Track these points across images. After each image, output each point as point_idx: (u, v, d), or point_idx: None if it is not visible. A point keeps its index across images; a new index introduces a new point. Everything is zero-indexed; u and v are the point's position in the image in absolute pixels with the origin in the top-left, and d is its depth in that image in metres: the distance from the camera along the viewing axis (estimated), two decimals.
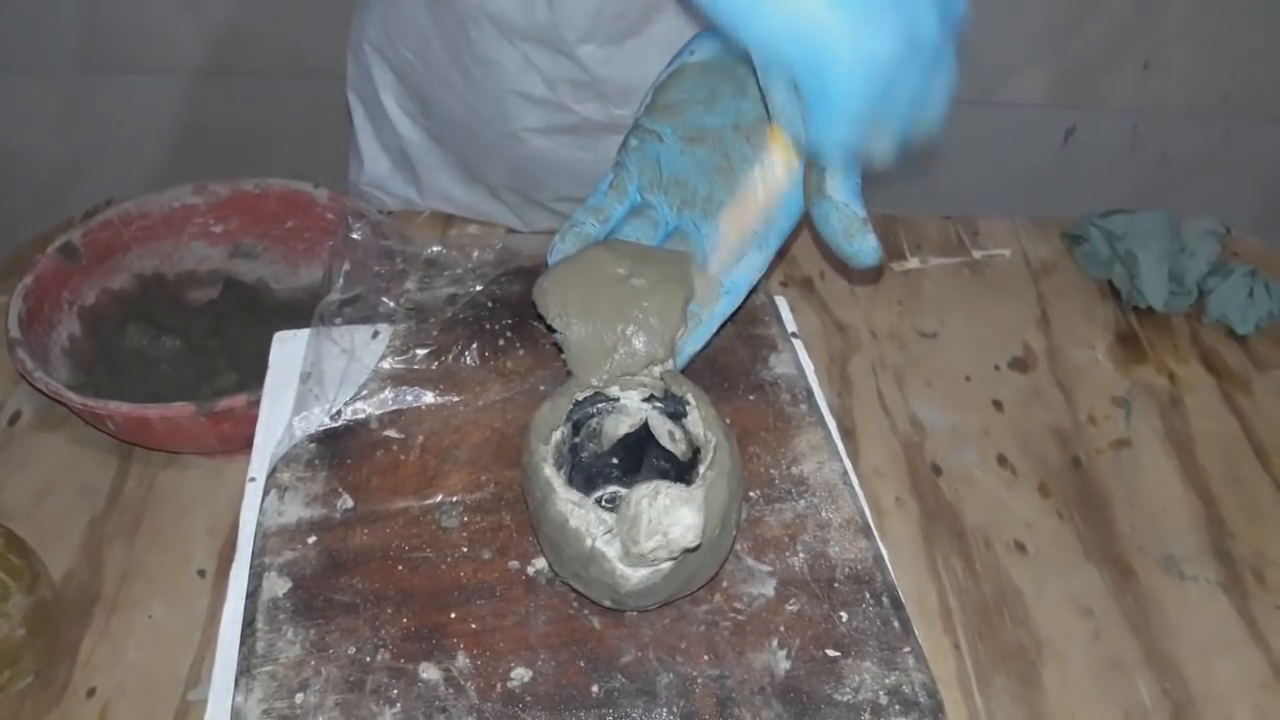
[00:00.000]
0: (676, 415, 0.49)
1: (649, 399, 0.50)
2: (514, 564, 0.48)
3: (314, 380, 0.56)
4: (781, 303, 0.64)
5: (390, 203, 0.97)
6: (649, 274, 0.50)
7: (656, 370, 0.49)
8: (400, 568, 0.48)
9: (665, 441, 0.50)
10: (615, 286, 0.50)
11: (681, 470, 0.49)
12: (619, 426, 0.51)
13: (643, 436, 0.51)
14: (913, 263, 0.90)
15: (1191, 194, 1.40)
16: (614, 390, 0.50)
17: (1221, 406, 0.79)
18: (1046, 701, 0.60)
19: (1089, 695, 0.61)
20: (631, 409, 0.50)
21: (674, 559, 0.42)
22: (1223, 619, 0.65)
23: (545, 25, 0.75)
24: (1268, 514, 0.71)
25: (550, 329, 0.50)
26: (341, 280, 0.61)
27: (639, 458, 0.51)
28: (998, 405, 0.78)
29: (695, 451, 0.48)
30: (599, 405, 0.50)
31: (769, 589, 0.47)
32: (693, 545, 0.41)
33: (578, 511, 0.43)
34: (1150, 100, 1.34)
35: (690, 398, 0.48)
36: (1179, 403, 0.79)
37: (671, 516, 0.40)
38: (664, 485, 0.41)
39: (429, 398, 0.55)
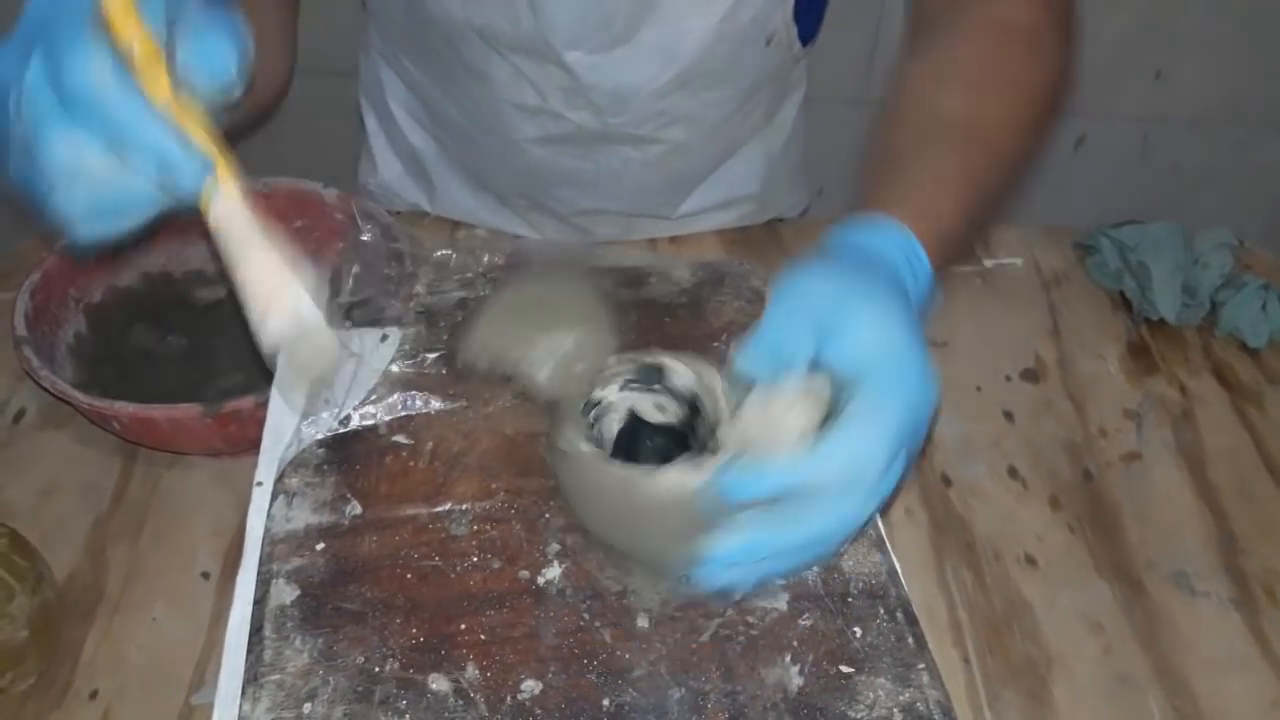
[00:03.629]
0: (657, 383, 0.50)
1: (624, 385, 0.51)
2: (524, 574, 0.48)
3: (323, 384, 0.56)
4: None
5: (401, 208, 0.97)
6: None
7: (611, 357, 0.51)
8: (409, 576, 0.47)
9: (655, 417, 0.51)
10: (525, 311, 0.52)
11: (679, 438, 0.50)
12: (612, 425, 0.51)
13: (635, 426, 0.51)
14: None
15: (1202, 204, 1.39)
16: (596, 393, 0.51)
17: (1233, 420, 0.78)
18: (1056, 717, 0.60)
19: (1098, 711, 0.60)
20: (613, 401, 0.51)
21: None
22: (1234, 635, 0.64)
23: (532, 34, 0.75)
24: (1279, 530, 0.71)
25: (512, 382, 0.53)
26: (351, 283, 0.61)
27: (635, 447, 0.52)
28: (1009, 416, 0.77)
29: (692, 410, 0.49)
30: (593, 413, 0.51)
31: (782, 603, 0.47)
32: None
33: (668, 476, 0.44)
34: (1161, 110, 1.34)
35: (663, 358, 0.50)
36: (1190, 416, 0.78)
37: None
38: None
39: (438, 403, 0.55)
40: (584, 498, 0.48)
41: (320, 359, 0.44)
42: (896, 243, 0.53)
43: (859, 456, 0.44)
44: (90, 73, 0.40)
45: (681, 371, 0.49)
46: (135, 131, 0.40)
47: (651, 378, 0.50)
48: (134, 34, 0.40)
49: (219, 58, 0.42)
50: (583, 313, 0.53)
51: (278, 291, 0.43)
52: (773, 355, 0.47)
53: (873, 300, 0.48)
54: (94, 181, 0.41)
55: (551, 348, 0.52)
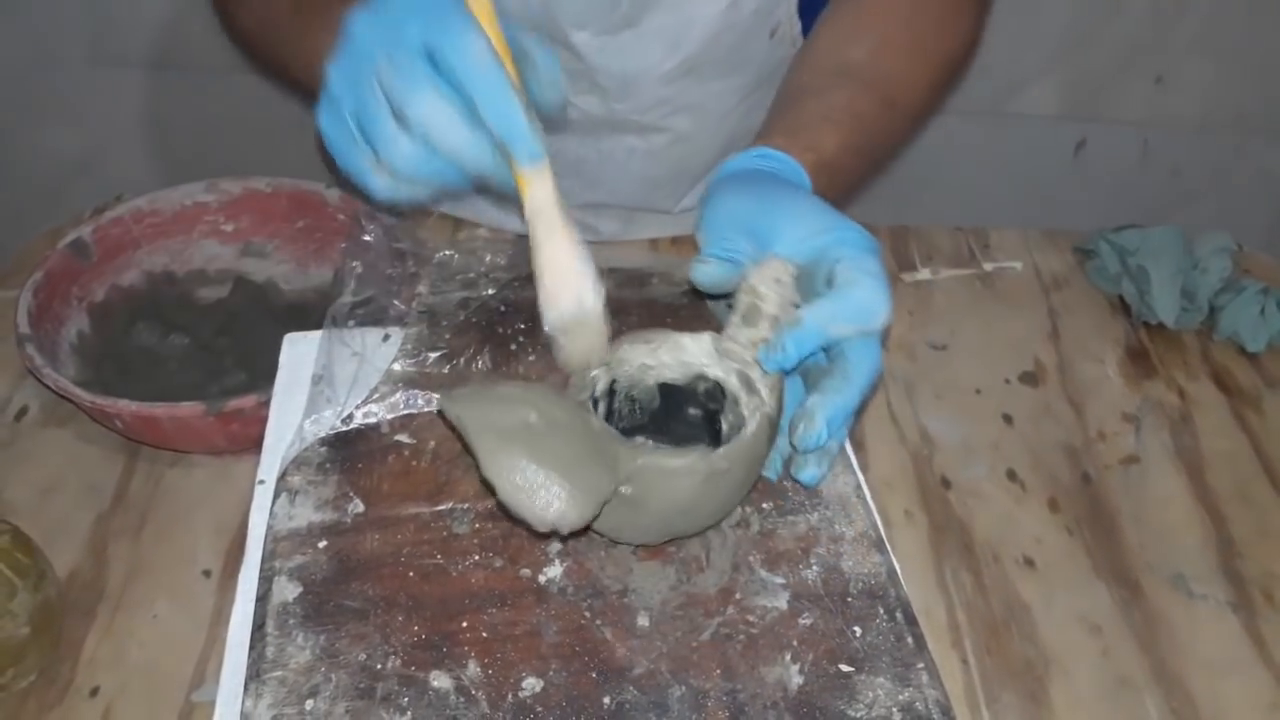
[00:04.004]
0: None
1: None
2: (525, 572, 0.48)
3: (325, 383, 0.56)
4: None
5: (401, 204, 0.97)
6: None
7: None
8: (411, 574, 0.47)
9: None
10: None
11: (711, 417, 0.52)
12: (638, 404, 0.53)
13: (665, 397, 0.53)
14: (923, 274, 0.90)
15: (1202, 209, 1.39)
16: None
17: (1232, 424, 0.78)
18: (1054, 718, 0.60)
19: (1096, 713, 0.60)
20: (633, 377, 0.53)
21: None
22: (1231, 638, 0.65)
23: (538, 11, 0.75)
24: (1277, 533, 0.71)
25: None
26: (353, 283, 0.61)
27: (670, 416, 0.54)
28: (1008, 419, 0.77)
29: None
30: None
31: (782, 602, 0.47)
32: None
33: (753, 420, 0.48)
34: (1162, 115, 1.34)
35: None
36: (1189, 420, 0.79)
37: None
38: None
39: None
40: (689, 503, 0.47)
41: (593, 346, 0.49)
42: (781, 166, 0.60)
43: (868, 296, 0.49)
44: (471, 45, 0.46)
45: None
46: (500, 102, 0.46)
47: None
48: (490, 25, 0.48)
49: (551, 70, 0.51)
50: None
51: (570, 279, 0.48)
52: (725, 264, 0.52)
53: (789, 199, 0.55)
54: (442, 143, 0.47)
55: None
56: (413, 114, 0.47)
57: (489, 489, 0.43)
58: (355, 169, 0.51)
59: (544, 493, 0.42)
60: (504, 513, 0.44)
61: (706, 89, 0.83)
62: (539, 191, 0.48)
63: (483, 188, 0.50)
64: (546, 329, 0.49)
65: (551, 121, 0.51)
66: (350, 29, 0.49)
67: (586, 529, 0.45)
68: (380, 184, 0.51)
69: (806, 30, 0.85)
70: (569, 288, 0.48)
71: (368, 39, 0.48)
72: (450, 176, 0.50)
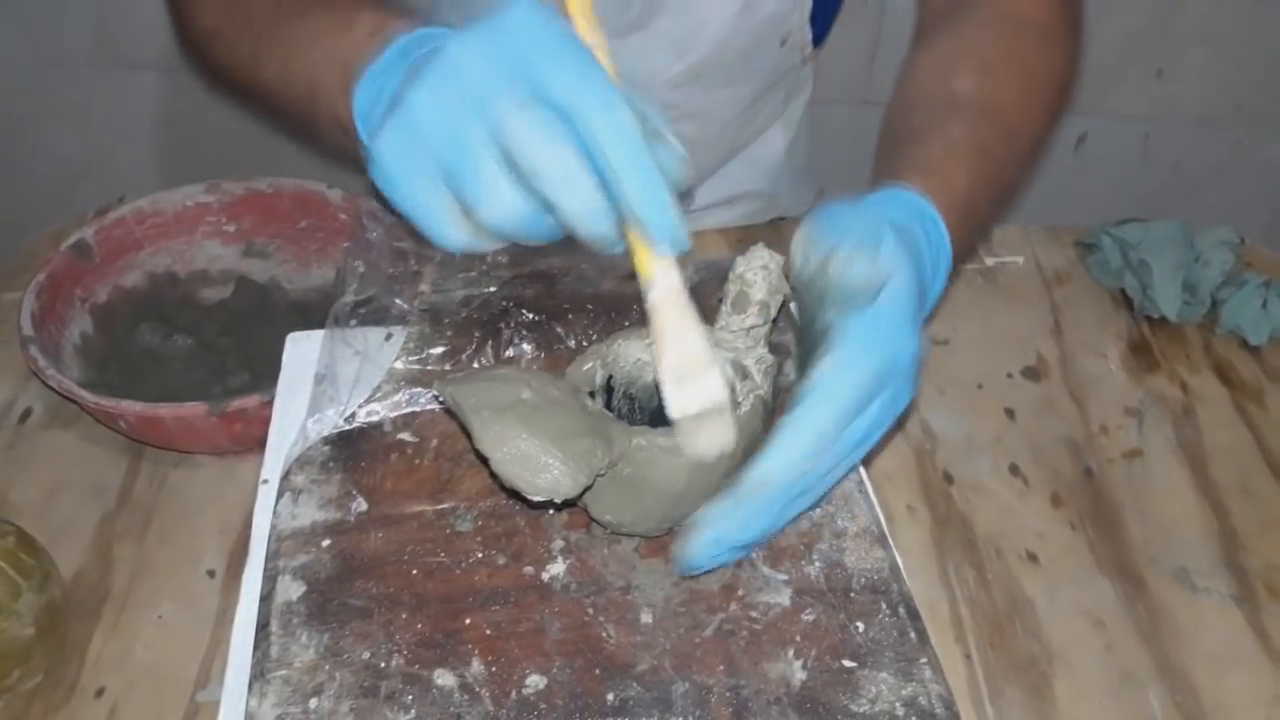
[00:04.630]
0: None
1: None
2: (529, 569, 0.48)
3: (328, 382, 0.56)
4: (794, 309, 0.63)
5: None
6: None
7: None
8: (415, 572, 0.47)
9: None
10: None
11: None
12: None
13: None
14: None
15: (1203, 203, 1.39)
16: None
17: (1234, 418, 0.78)
18: (1058, 713, 0.60)
19: (1100, 707, 0.60)
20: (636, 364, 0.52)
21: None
22: (1235, 631, 0.65)
23: None
24: None
25: None
26: (356, 282, 0.61)
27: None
28: (1010, 414, 0.77)
29: None
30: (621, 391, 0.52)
31: (785, 598, 0.47)
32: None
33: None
34: (1163, 109, 1.34)
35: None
36: (1192, 413, 0.79)
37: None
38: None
39: None
40: (688, 481, 0.47)
41: (723, 435, 0.46)
42: (910, 208, 0.53)
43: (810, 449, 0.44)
44: (620, 109, 0.40)
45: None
46: (647, 178, 0.40)
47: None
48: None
49: (681, 160, 0.43)
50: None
51: (699, 367, 0.45)
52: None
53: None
54: (560, 202, 0.41)
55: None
56: (540, 168, 0.40)
57: (483, 461, 0.43)
58: (425, 214, 0.43)
59: (536, 462, 0.42)
60: (500, 486, 0.45)
61: (712, 96, 0.82)
62: (669, 278, 0.44)
63: (569, 243, 0.44)
64: (675, 418, 0.46)
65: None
66: (453, 54, 0.41)
67: (579, 500, 0.46)
68: (456, 235, 0.44)
69: (817, 40, 0.84)
70: (699, 378, 0.45)
71: (480, 72, 0.40)
72: (545, 234, 0.43)
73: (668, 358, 0.45)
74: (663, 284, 0.44)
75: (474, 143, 0.40)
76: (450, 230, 0.43)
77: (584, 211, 0.41)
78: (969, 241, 0.56)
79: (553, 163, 0.40)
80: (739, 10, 0.76)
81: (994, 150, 0.60)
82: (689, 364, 0.45)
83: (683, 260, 0.44)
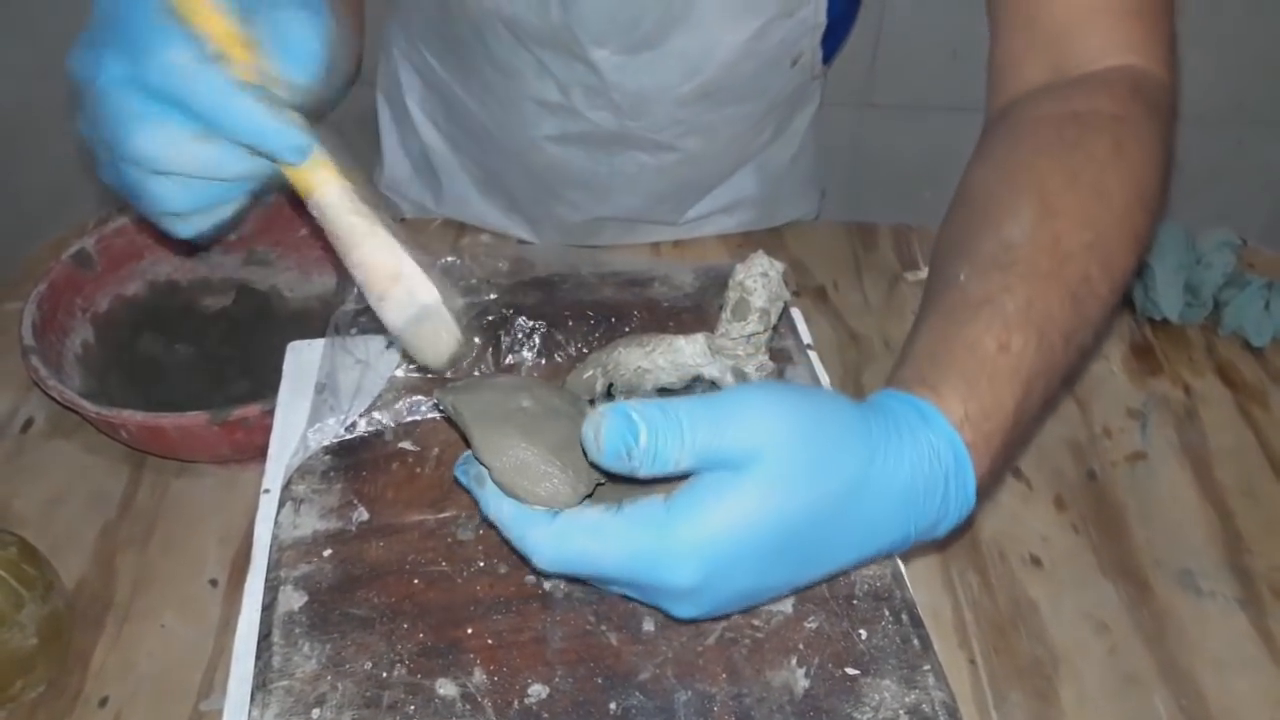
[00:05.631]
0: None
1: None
2: (530, 579, 0.48)
3: (329, 391, 0.56)
4: (796, 314, 0.63)
5: (406, 207, 0.97)
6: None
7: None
8: (416, 581, 0.47)
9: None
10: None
11: None
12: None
13: None
14: (925, 273, 0.89)
15: (1204, 204, 1.39)
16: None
17: (1238, 419, 0.78)
18: (1063, 718, 0.60)
19: (1105, 711, 0.60)
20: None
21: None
22: (1240, 635, 0.64)
23: (559, 27, 0.75)
24: None
25: None
26: (356, 290, 0.61)
27: None
28: None
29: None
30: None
31: (787, 606, 0.47)
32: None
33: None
34: None
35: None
36: (1195, 415, 0.78)
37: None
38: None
39: None
40: None
41: (442, 339, 0.44)
42: (933, 453, 0.44)
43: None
44: (173, 59, 0.40)
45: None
46: (228, 109, 0.40)
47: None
48: (208, 18, 0.41)
49: (304, 40, 0.42)
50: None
51: (392, 275, 0.43)
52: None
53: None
54: (188, 171, 0.42)
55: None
56: (138, 154, 0.41)
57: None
58: (154, 219, 0.46)
59: (535, 471, 0.42)
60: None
61: (721, 113, 0.82)
62: (323, 185, 0.42)
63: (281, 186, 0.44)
64: (392, 335, 0.45)
65: (318, 94, 0.44)
66: (74, 74, 0.43)
67: None
68: (176, 227, 0.46)
69: (827, 59, 0.85)
70: (394, 287, 0.43)
71: (85, 81, 0.42)
72: (226, 192, 0.44)
73: (357, 275, 0.43)
74: (320, 195, 0.42)
75: (116, 147, 0.42)
76: (172, 227, 0.46)
77: (206, 163, 0.42)
78: (1000, 466, 0.48)
79: (139, 141, 0.41)
80: (752, 35, 0.76)
81: (1050, 328, 0.48)
82: (379, 273, 0.43)
83: (348, 175, 0.43)
